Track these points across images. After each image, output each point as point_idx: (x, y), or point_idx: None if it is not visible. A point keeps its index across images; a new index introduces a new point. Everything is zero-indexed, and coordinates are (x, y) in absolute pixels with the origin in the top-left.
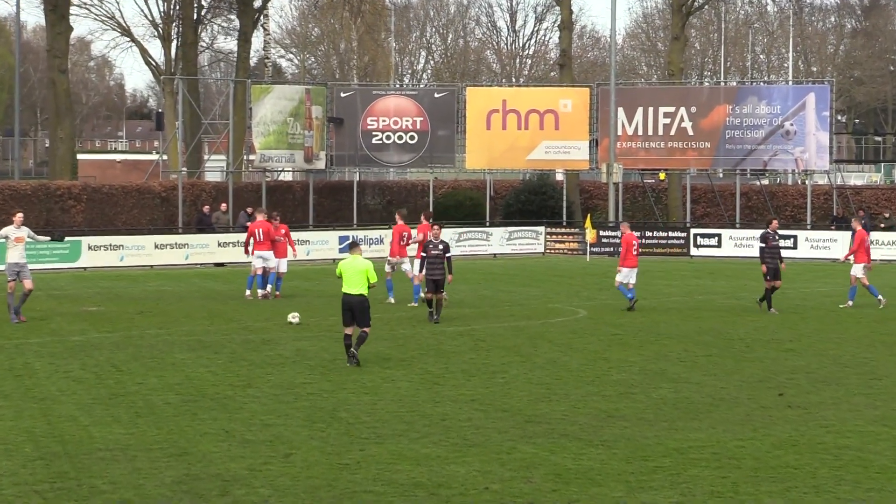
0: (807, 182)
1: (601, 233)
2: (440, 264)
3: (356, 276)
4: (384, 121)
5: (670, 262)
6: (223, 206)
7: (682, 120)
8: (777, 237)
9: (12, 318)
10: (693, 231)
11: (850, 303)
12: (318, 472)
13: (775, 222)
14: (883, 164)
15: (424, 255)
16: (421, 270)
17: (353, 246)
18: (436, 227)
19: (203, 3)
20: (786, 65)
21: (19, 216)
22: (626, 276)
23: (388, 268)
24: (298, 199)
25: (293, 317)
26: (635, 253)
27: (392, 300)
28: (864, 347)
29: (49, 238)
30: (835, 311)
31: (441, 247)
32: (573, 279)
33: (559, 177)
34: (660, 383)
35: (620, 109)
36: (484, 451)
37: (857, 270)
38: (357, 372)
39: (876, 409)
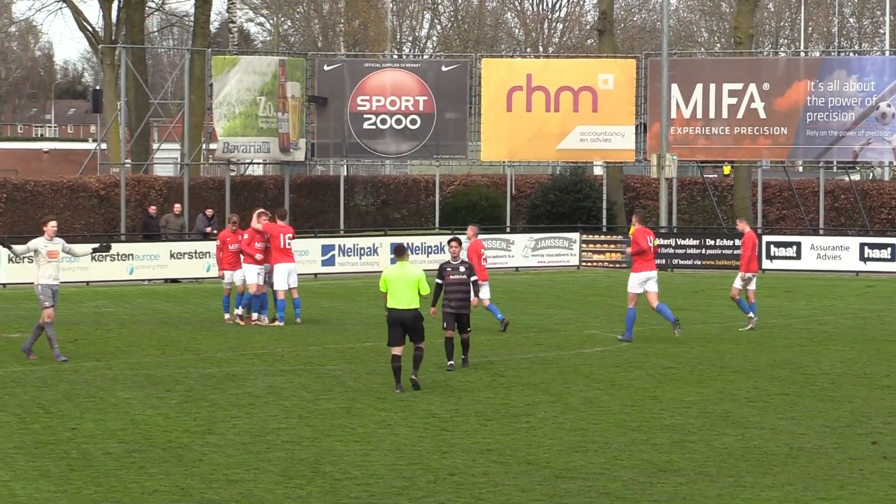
0: None
1: None
2: (463, 292)
3: (407, 287)
4: (378, 101)
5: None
6: (176, 208)
7: (751, 100)
8: None
9: (56, 355)
10: (766, 238)
11: (753, 317)
12: None
13: None
14: None
15: (440, 281)
16: (434, 303)
17: (399, 252)
18: (453, 242)
19: None
20: (882, 30)
21: (52, 225)
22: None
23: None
24: (271, 199)
25: None
26: (484, 264)
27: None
28: None
29: (91, 250)
30: None
31: (463, 269)
32: (615, 299)
33: (598, 171)
34: (723, 429)
35: (675, 86)
36: None
37: (738, 280)
38: (345, 415)
39: None
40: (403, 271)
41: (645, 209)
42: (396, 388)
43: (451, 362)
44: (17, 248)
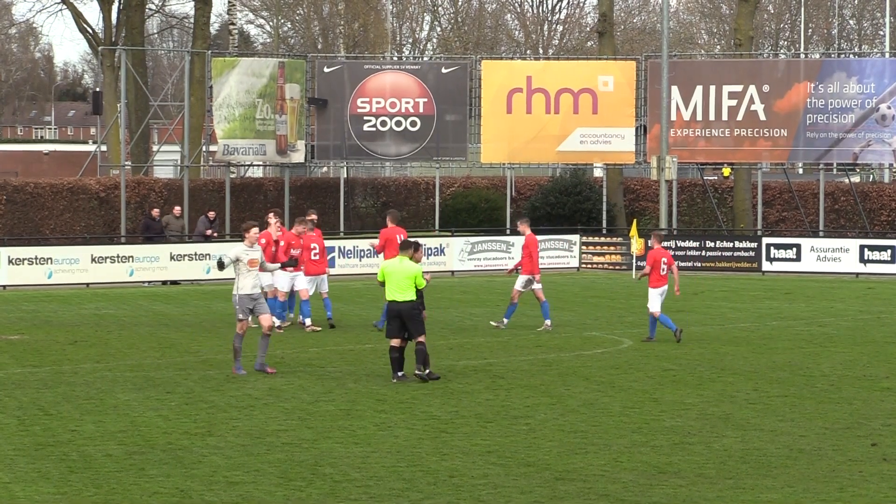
0: None
1: (650, 243)
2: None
3: (404, 280)
4: (378, 102)
5: (737, 280)
6: (176, 210)
7: (751, 101)
8: None
9: (237, 369)
10: (765, 240)
11: (548, 322)
12: None
13: None
14: None
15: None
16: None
17: (403, 246)
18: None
19: None
20: (881, 32)
21: (255, 231)
22: (309, 283)
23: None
24: (271, 201)
25: None
26: (315, 257)
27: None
28: None
29: (279, 266)
30: None
31: None
32: (615, 301)
33: (598, 173)
34: (723, 431)
35: (675, 88)
36: None
37: (520, 283)
38: (345, 417)
39: None
40: (402, 265)
41: (644, 212)
42: (393, 378)
43: (402, 373)
44: (226, 260)
